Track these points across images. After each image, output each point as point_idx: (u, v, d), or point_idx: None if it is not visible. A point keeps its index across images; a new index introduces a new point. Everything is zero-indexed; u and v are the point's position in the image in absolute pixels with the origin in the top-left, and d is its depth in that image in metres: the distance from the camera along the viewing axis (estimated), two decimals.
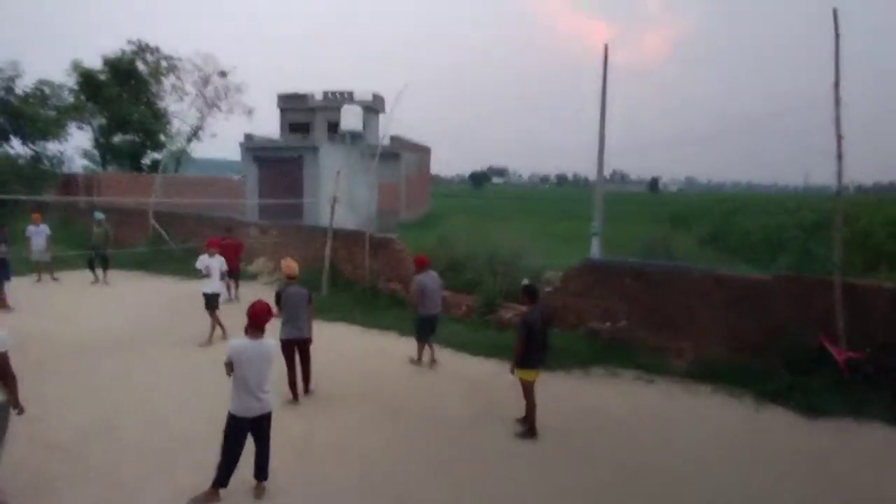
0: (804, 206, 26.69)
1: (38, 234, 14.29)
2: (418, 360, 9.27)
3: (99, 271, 14.76)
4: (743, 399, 8.13)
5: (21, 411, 5.04)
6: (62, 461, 5.45)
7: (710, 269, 9.78)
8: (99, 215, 15.16)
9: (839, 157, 8.76)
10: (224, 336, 9.84)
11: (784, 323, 8.91)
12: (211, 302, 9.96)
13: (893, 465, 6.44)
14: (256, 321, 5.22)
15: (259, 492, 5.31)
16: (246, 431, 5.20)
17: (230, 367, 5.11)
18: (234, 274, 13.34)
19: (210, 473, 5.28)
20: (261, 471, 5.35)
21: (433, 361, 9.26)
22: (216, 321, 9.99)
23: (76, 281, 14.60)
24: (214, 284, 10.02)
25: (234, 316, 11.97)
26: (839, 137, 8.69)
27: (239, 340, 5.23)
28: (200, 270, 10.05)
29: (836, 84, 8.73)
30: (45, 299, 12.58)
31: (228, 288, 13.14)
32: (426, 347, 9.26)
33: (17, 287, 12.26)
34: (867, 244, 17.25)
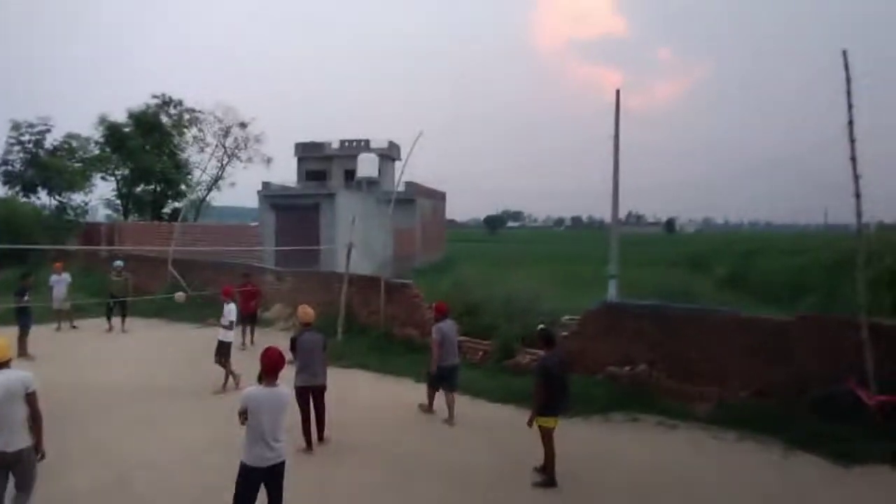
0: (825, 245, 26.32)
1: (60, 283, 14.53)
2: (429, 408, 9.01)
3: (117, 319, 14.85)
4: (771, 447, 7.82)
5: (42, 456, 5.06)
6: None
7: (732, 312, 9.59)
8: (118, 263, 15.41)
9: (857, 195, 8.65)
10: (237, 385, 9.76)
11: (810, 366, 8.65)
12: (224, 350, 9.93)
13: None
14: (270, 368, 5.16)
15: None
16: (259, 482, 5.08)
17: (244, 415, 5.03)
18: (251, 320, 13.38)
19: None
20: None
21: (451, 417, 8.67)
22: (228, 370, 9.93)
23: (94, 329, 14.73)
24: (230, 333, 10.02)
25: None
26: (856, 176, 8.60)
27: (253, 388, 5.16)
28: (226, 320, 10.00)
29: (850, 123, 8.70)
30: (63, 348, 12.66)
31: (244, 333, 13.20)
32: (447, 400, 8.81)
33: (38, 335, 12.38)
34: (894, 283, 16.83)
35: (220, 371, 10.00)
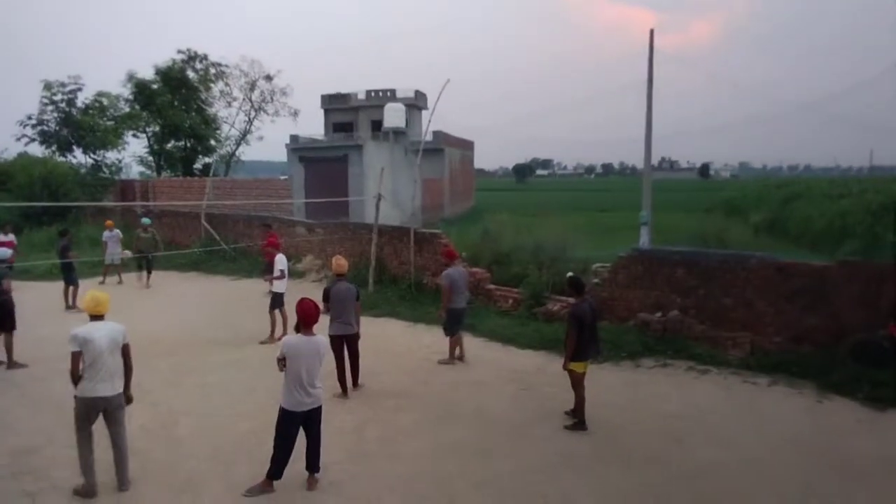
0: (869, 188, 25.34)
1: (112, 239, 15.18)
2: (450, 359, 9.11)
3: (143, 274, 15.22)
4: (804, 391, 7.77)
5: (130, 400, 5.48)
6: (129, 459, 5.63)
7: (769, 257, 9.37)
8: (146, 221, 15.84)
9: None
10: (273, 335, 10.00)
11: (849, 313, 8.46)
12: (279, 300, 10.10)
13: None
14: (306, 319, 5.34)
15: (312, 484, 5.39)
16: (298, 425, 5.30)
17: (283, 362, 5.22)
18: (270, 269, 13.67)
19: (263, 467, 5.38)
20: (313, 464, 5.43)
21: (462, 357, 9.10)
22: (284, 318, 9.99)
23: (130, 284, 15.23)
24: (283, 282, 10.16)
25: (217, 309, 12.23)
26: None
27: (291, 337, 5.37)
28: (277, 270, 10.13)
29: None
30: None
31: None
32: (452, 340, 9.11)
33: (82, 289, 12.84)
34: None
35: (263, 321, 10.24)
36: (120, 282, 15.34)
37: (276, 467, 5.26)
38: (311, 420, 5.35)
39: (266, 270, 13.49)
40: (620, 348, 9.18)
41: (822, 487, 5.48)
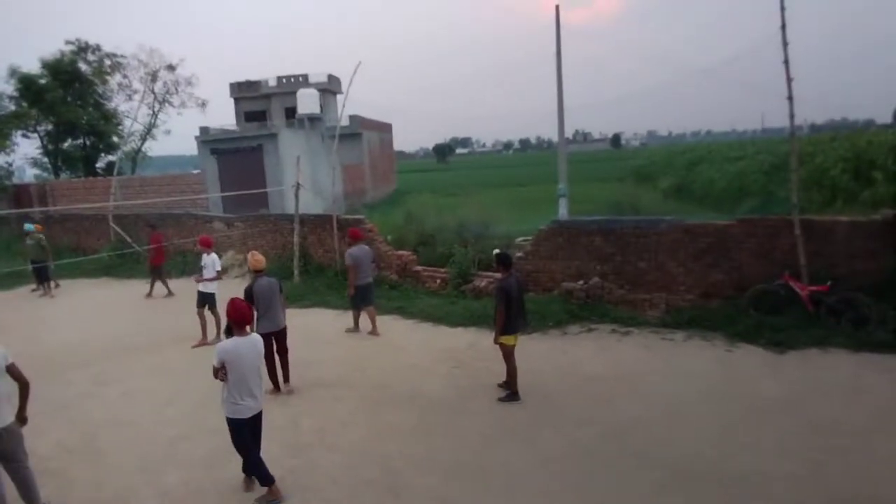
0: (762, 149, 27.22)
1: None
2: (355, 327, 9.87)
3: (46, 284, 14.31)
4: (715, 342, 8.39)
5: (24, 421, 4.93)
6: (48, 483, 5.31)
7: (677, 220, 9.95)
8: (29, 226, 14.66)
9: (790, 98, 8.94)
10: (204, 340, 9.66)
11: (750, 266, 9.18)
12: (209, 301, 9.74)
13: (856, 389, 6.71)
14: (240, 319, 5.05)
15: (248, 485, 5.29)
16: (248, 430, 5.11)
17: (222, 370, 4.91)
18: (158, 272, 13.39)
19: (195, 472, 5.25)
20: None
21: (375, 332, 9.67)
22: (217, 319, 9.69)
23: (67, 293, 14.35)
24: (214, 283, 9.78)
25: (166, 311, 11.88)
26: (789, 79, 8.85)
27: (229, 341, 5.03)
28: (211, 271, 9.72)
29: (783, 27, 8.85)
30: (13, 315, 12.23)
31: (152, 286, 13.30)
32: (368, 314, 9.78)
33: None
34: (823, 181, 17.71)
35: (179, 323, 9.87)
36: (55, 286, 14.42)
37: (261, 473, 5.08)
38: (256, 424, 5.17)
39: (153, 272, 13.28)
40: (547, 318, 9.52)
41: (736, 428, 5.98)
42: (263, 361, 5.24)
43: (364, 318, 9.90)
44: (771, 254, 9.06)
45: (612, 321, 9.40)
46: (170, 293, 13.29)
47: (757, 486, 4.97)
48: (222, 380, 4.96)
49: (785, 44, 8.85)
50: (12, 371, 4.84)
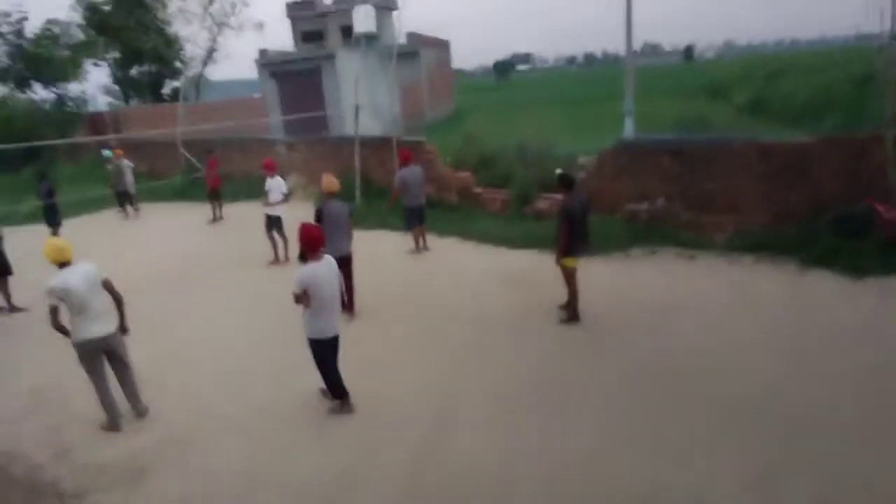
0: (855, 58, 24.85)
1: (127, 168, 14.86)
2: (416, 249, 10.19)
3: (130, 208, 15.14)
4: (786, 267, 8.06)
5: (126, 331, 5.50)
6: (143, 389, 5.81)
7: (750, 139, 9.37)
8: (107, 153, 15.37)
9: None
10: (276, 260, 10.09)
11: (831, 188, 8.61)
12: (277, 224, 10.07)
13: None
14: (314, 245, 5.05)
15: (327, 394, 5.59)
16: (332, 349, 5.31)
17: (304, 296, 4.99)
18: (217, 195, 13.75)
19: (279, 385, 5.66)
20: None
21: (425, 247, 10.21)
22: (285, 240, 10.09)
23: (145, 216, 15.15)
24: (282, 206, 10.09)
25: (222, 234, 12.33)
26: None
27: (306, 268, 5.04)
28: (277, 193, 10.01)
29: None
30: (95, 239, 13.08)
31: (213, 209, 13.69)
32: (420, 234, 10.17)
33: (80, 225, 12.72)
34: None
35: (255, 244, 10.27)
36: (136, 209, 15.22)
37: (338, 389, 5.37)
38: (336, 343, 5.33)
39: (211, 197, 13.65)
40: (609, 240, 9.35)
41: (804, 362, 5.81)
42: (342, 282, 5.29)
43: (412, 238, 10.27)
44: (856, 175, 8.44)
45: (676, 244, 9.16)
46: (221, 217, 13.81)
47: (826, 422, 4.85)
48: (306, 306, 5.05)
49: None
50: (107, 286, 5.33)
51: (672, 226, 9.59)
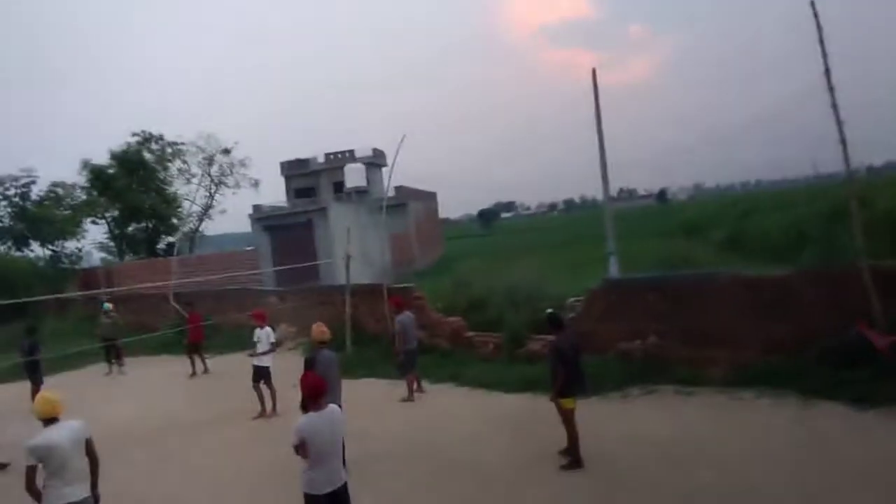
0: (818, 195, 26.35)
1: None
2: (410, 397, 9.89)
3: (118, 361, 14.98)
4: (787, 400, 7.88)
5: (97, 500, 5.06)
6: None
7: (734, 273, 9.63)
8: (106, 306, 15.53)
9: (843, 142, 8.70)
10: (264, 412, 9.73)
11: (816, 317, 8.69)
12: (264, 375, 9.86)
13: None
14: (313, 393, 4.91)
15: None
16: None
17: (302, 448, 4.80)
18: (197, 348, 13.74)
19: None
20: None
21: (420, 390, 10.15)
22: (272, 393, 9.87)
23: (99, 373, 14.94)
24: (269, 357, 9.96)
25: (205, 387, 12.03)
26: (839, 122, 8.65)
27: (304, 418, 4.90)
28: (265, 345, 9.95)
29: (827, 72, 8.74)
30: (76, 393, 12.64)
31: (193, 363, 13.57)
32: (414, 380, 10.06)
33: (62, 380, 12.32)
34: (890, 224, 16.90)
35: (240, 398, 9.96)
36: (121, 365, 15.07)
37: None
38: (340, 499, 4.97)
39: (192, 350, 13.64)
40: (605, 380, 9.19)
41: (823, 496, 5.49)
42: (343, 434, 5.05)
43: (403, 385, 10.07)
44: (839, 304, 8.58)
45: (673, 382, 9.00)
46: (206, 370, 13.64)
47: None
48: (303, 457, 4.84)
49: (830, 88, 8.72)
50: (88, 447, 5.03)
51: (667, 362, 9.48)
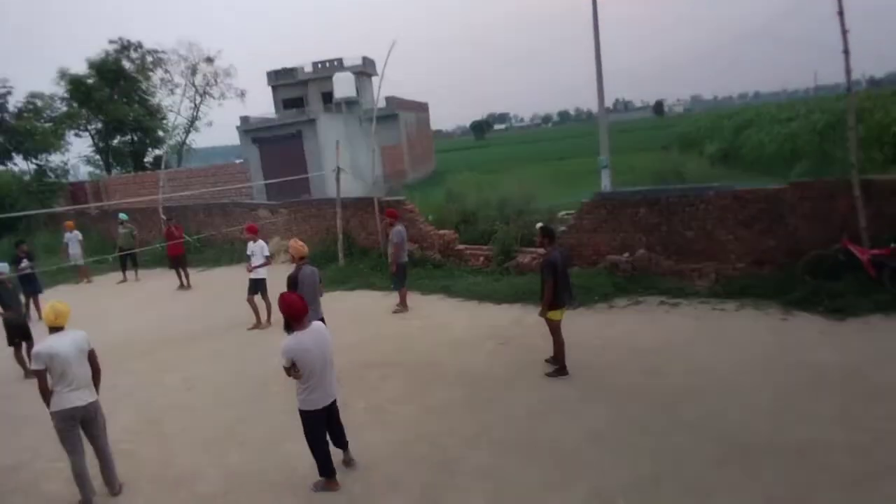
0: (816, 108, 25.89)
1: (73, 241, 15.34)
2: (403, 308, 10.01)
3: (130, 272, 15.45)
4: (769, 311, 8.12)
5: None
6: (119, 462, 5.59)
7: (725, 187, 9.62)
8: (122, 216, 15.77)
9: (846, 52, 8.44)
10: (259, 324, 9.95)
11: (805, 231, 8.82)
12: (261, 287, 9.95)
13: None
14: (295, 314, 4.83)
15: (349, 459, 5.37)
16: (325, 420, 5.06)
17: (293, 368, 4.79)
18: (180, 262, 13.84)
19: (256, 452, 5.43)
20: (341, 442, 5.34)
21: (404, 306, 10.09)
22: (267, 304, 10.00)
23: (108, 282, 15.46)
24: (264, 269, 10.04)
25: (196, 300, 12.29)
26: (844, 31, 8.36)
27: (290, 338, 4.83)
28: (260, 257, 10.02)
29: None
30: (83, 304, 12.83)
31: (179, 276, 13.73)
32: (400, 292, 10.09)
33: (56, 294, 12.50)
34: (884, 139, 16.78)
35: (234, 308, 10.14)
36: (89, 281, 15.63)
37: (325, 466, 5.06)
38: (334, 411, 5.13)
39: (176, 264, 13.74)
40: (593, 291, 9.40)
41: (793, 399, 5.79)
42: (331, 348, 5.03)
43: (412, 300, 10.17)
44: (827, 218, 8.67)
45: (660, 293, 9.22)
46: (187, 286, 13.76)
47: (818, 457, 4.82)
48: (296, 377, 4.86)
49: None
50: (91, 356, 5.26)
51: (654, 274, 9.68)
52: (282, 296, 4.97)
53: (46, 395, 5.02)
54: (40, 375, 4.99)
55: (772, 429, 5.31)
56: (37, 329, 5.09)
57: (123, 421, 6.73)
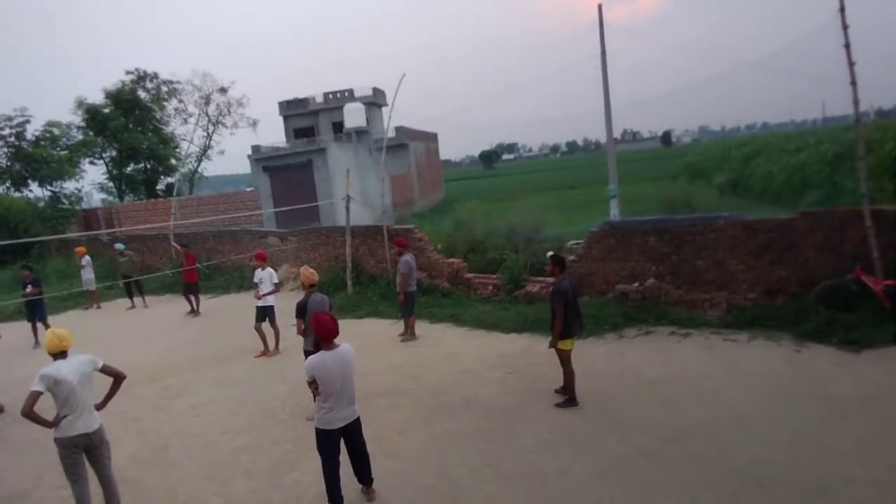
0: (824, 138, 25.92)
1: (87, 267, 15.63)
2: (411, 336, 10.02)
3: (137, 298, 15.54)
4: (782, 342, 8.00)
5: (99, 408, 5.24)
6: (123, 492, 5.51)
7: (735, 216, 9.59)
8: (120, 246, 16.06)
9: (853, 83, 8.49)
10: (266, 352, 9.92)
11: (816, 261, 8.74)
12: (269, 314, 9.93)
13: None
14: (325, 334, 5.01)
15: (371, 494, 5.27)
16: (338, 441, 5.09)
17: (314, 384, 4.96)
18: (193, 289, 13.86)
19: (262, 480, 5.35)
20: (365, 476, 5.29)
21: (413, 334, 10.09)
22: (276, 332, 9.99)
23: (116, 309, 15.55)
24: (272, 297, 10.03)
25: (196, 328, 12.26)
26: (851, 63, 8.42)
27: (315, 356, 5.01)
28: (268, 284, 10.01)
29: (842, 9, 8.44)
30: (89, 329, 12.86)
31: (190, 303, 13.73)
32: (408, 322, 10.08)
33: (66, 319, 12.56)
34: (894, 169, 16.72)
35: (241, 335, 10.12)
36: (98, 307, 15.77)
37: (333, 494, 5.03)
38: (352, 433, 5.15)
39: (189, 291, 13.75)
40: (602, 321, 9.32)
41: (810, 432, 5.65)
42: (353, 371, 5.12)
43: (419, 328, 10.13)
44: (838, 248, 8.60)
45: (670, 323, 9.13)
46: (196, 312, 13.74)
47: (838, 492, 4.68)
48: (316, 393, 5.01)
49: (845, 27, 8.44)
50: (106, 370, 5.22)
51: (664, 304, 9.60)
52: (315, 315, 5.14)
53: (32, 416, 4.82)
54: (34, 396, 4.80)
55: (789, 463, 5.17)
56: (34, 356, 5.03)
57: (129, 448, 6.68)
